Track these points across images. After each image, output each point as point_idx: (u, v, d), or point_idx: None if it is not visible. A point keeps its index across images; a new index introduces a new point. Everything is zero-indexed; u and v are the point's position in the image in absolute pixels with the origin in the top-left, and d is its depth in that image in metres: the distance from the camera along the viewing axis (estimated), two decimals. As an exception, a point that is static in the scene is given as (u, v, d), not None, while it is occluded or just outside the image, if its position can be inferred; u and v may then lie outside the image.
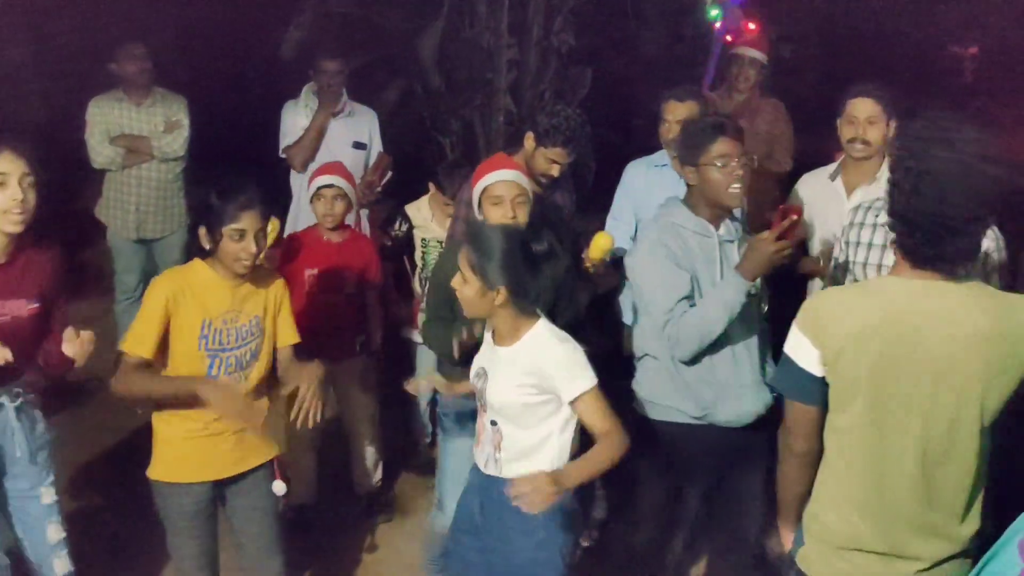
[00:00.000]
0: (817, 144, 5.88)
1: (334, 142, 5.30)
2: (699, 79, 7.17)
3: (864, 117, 3.71)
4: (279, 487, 3.38)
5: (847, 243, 3.45)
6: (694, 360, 3.19)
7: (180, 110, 5.67)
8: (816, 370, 2.29)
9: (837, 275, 3.52)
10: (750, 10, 6.49)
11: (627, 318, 4.35)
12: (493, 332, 2.97)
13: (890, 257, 3.14)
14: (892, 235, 2.25)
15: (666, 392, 3.30)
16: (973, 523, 2.32)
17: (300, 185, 5.19)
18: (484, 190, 3.40)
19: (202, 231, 3.14)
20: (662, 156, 4.26)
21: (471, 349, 3.15)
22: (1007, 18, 10.10)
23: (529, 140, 3.95)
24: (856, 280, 3.37)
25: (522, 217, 3.35)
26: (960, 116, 2.20)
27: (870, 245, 3.35)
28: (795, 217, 2.97)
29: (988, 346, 2.14)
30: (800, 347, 2.30)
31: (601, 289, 4.31)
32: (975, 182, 2.08)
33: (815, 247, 3.94)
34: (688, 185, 3.27)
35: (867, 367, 2.20)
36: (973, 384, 2.17)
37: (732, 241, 3.27)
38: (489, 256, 2.77)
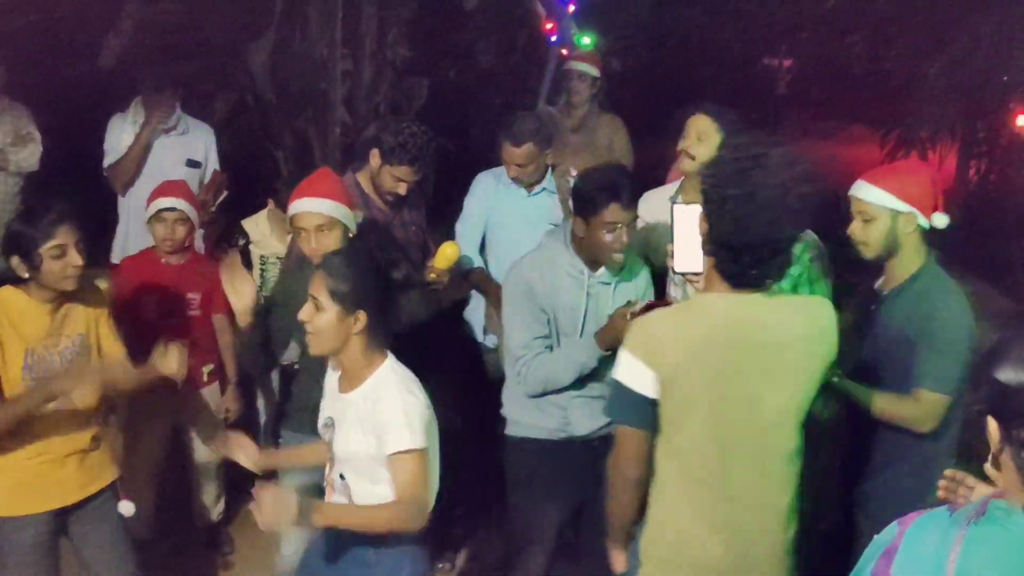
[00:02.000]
0: (648, 156, 6.05)
1: (166, 161, 4.85)
2: (535, 91, 7.25)
3: (695, 133, 3.78)
4: (127, 507, 3.20)
5: None
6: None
7: (28, 122, 5.25)
8: (651, 392, 2.31)
9: (673, 295, 3.56)
10: (584, 24, 6.58)
11: (480, 335, 4.32)
12: (340, 377, 2.79)
13: None
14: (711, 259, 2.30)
15: (525, 408, 3.33)
16: (793, 525, 2.45)
17: (129, 204, 4.85)
18: (291, 218, 3.31)
19: (15, 261, 2.95)
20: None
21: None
22: (817, 33, 10.68)
23: (375, 157, 3.86)
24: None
25: (330, 244, 3.20)
26: (766, 138, 2.28)
27: None
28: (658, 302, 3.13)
29: (804, 346, 2.30)
30: (634, 371, 2.31)
31: (446, 302, 4.27)
32: (794, 202, 2.14)
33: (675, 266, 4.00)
34: (575, 232, 3.23)
35: (704, 383, 2.27)
36: (796, 384, 2.32)
37: (608, 284, 3.28)
38: (348, 278, 2.62)
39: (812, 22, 10.39)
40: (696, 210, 2.36)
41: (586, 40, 6.35)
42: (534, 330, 3.14)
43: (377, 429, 2.60)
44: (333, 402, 2.81)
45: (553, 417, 3.29)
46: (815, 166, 2.21)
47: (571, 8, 6.50)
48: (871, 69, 11.05)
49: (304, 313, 2.65)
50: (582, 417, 3.29)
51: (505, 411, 3.42)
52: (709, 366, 2.26)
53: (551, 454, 3.33)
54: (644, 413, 2.35)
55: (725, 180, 2.17)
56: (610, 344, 3.03)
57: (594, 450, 3.26)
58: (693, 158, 3.77)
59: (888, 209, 2.92)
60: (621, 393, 2.36)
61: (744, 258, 2.20)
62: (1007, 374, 1.47)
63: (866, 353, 3.11)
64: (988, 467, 1.56)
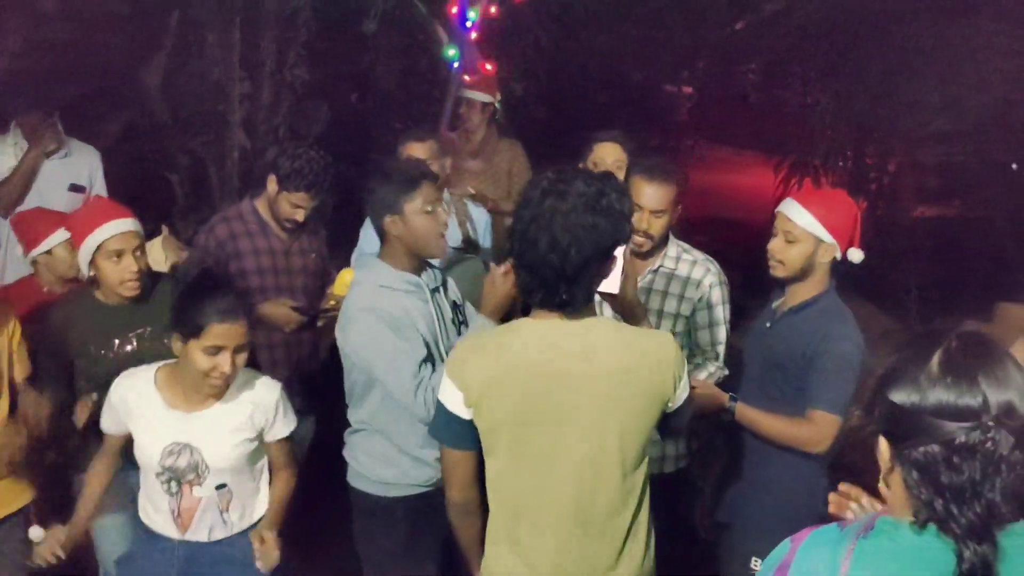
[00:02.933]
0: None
1: (47, 185, 4.62)
2: (436, 116, 7.23)
3: (611, 161, 3.81)
4: (36, 533, 3.03)
5: None
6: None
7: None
8: (463, 413, 2.31)
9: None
10: (485, 50, 6.59)
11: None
12: (174, 398, 2.85)
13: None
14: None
15: (393, 464, 3.09)
16: (630, 563, 2.37)
17: (6, 231, 4.60)
18: (100, 245, 3.12)
19: None
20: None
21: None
22: (715, 62, 10.96)
23: (272, 183, 3.77)
24: None
25: (141, 264, 3.18)
26: (582, 171, 2.34)
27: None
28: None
29: (622, 378, 2.25)
30: (447, 391, 2.32)
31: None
32: (582, 233, 2.17)
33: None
34: (384, 239, 3.06)
35: (509, 410, 2.25)
36: (613, 417, 2.25)
37: (438, 289, 3.14)
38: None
39: (711, 50, 10.63)
40: None
41: (487, 67, 6.35)
42: (416, 352, 2.91)
43: (265, 420, 2.92)
44: (176, 424, 2.80)
45: (423, 470, 3.08)
46: (620, 199, 2.25)
47: (473, 34, 6.49)
48: (767, 97, 11.38)
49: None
50: None
51: (364, 468, 3.15)
52: (512, 395, 2.25)
53: (422, 509, 3.09)
54: (460, 433, 2.33)
55: (523, 201, 2.25)
56: (499, 310, 2.86)
57: None
58: None
59: (813, 236, 2.96)
60: (440, 411, 2.37)
61: (534, 279, 2.23)
62: (900, 395, 1.50)
63: (757, 368, 3.16)
64: (881, 485, 1.58)
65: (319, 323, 3.92)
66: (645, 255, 3.31)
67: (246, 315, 2.77)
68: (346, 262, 4.14)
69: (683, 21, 9.60)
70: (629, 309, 2.71)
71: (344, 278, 3.74)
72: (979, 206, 8.01)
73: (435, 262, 3.21)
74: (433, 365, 2.95)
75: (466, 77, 6.28)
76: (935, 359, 1.49)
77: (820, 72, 8.77)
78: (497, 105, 5.73)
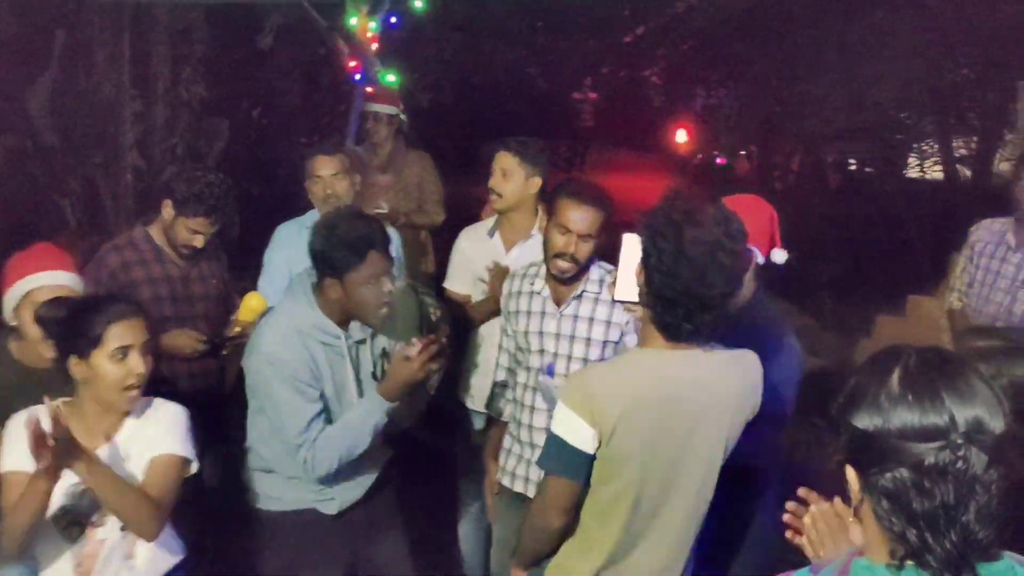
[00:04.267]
0: (459, 192, 5.99)
1: None
2: (342, 130, 7.08)
3: (500, 169, 3.73)
4: None
5: (508, 313, 3.39)
6: None
7: None
8: (590, 448, 2.29)
9: (507, 344, 3.46)
10: (388, 61, 6.45)
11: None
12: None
13: (550, 324, 3.15)
14: (647, 312, 2.31)
15: (286, 488, 3.03)
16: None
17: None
18: (28, 294, 2.89)
19: None
20: (312, 216, 4.04)
21: None
22: (618, 67, 11.03)
23: (167, 208, 3.57)
24: (520, 347, 3.31)
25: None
26: (700, 194, 2.35)
27: (529, 313, 3.32)
28: (444, 340, 2.86)
29: (734, 403, 2.35)
30: (575, 427, 2.28)
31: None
32: (724, 258, 2.18)
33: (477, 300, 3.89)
34: (325, 295, 2.91)
35: (638, 440, 2.27)
36: (723, 442, 2.35)
37: (364, 341, 3.02)
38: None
39: (614, 57, 10.69)
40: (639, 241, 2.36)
41: (391, 78, 6.21)
42: (307, 410, 2.81)
43: (160, 440, 2.66)
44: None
45: (318, 492, 3.02)
46: (742, 226, 2.28)
47: (375, 46, 6.34)
48: (669, 101, 11.51)
49: None
50: (348, 486, 3.06)
51: (259, 487, 3.08)
52: (644, 423, 2.26)
53: (314, 523, 3.04)
54: (580, 466, 2.32)
55: (657, 233, 2.21)
56: (396, 394, 2.81)
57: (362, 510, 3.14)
58: (500, 196, 3.71)
59: None
60: (559, 446, 2.31)
61: (676, 311, 2.22)
62: (863, 420, 1.41)
63: None
64: (852, 522, 1.50)
65: (224, 352, 3.73)
66: (568, 281, 3.19)
67: (144, 314, 2.63)
68: (252, 285, 3.98)
69: (586, 28, 9.60)
70: None
71: (250, 303, 3.58)
72: (884, 200, 8.17)
73: None
74: (331, 420, 2.88)
75: (369, 89, 6.14)
76: (895, 378, 1.40)
77: (723, 75, 8.87)
78: (402, 117, 5.60)
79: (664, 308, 2.23)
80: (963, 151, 7.71)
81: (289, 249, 4.01)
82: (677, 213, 2.21)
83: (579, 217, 3.08)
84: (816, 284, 7.29)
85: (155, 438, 2.68)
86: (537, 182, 3.72)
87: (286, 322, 2.88)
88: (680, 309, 2.21)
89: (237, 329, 3.59)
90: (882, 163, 8.25)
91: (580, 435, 2.27)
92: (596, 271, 3.20)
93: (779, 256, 2.97)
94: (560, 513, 2.40)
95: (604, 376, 2.36)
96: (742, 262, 2.25)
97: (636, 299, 2.36)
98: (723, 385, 2.33)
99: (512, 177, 3.70)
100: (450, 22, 8.35)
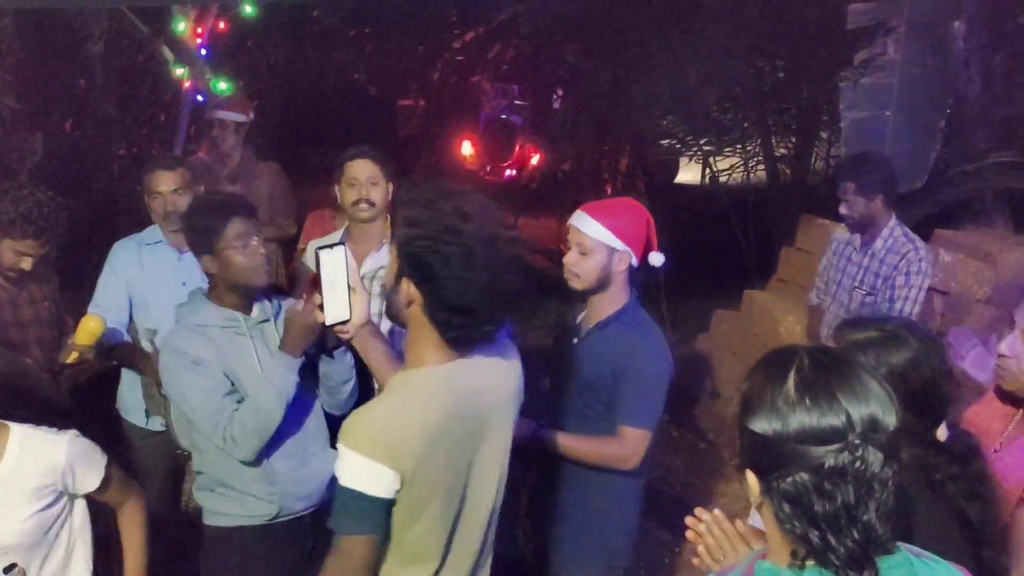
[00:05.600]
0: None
1: None
2: (164, 140, 6.78)
3: (365, 178, 3.64)
4: None
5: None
6: (253, 463, 2.89)
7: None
8: (389, 493, 2.02)
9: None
10: (219, 68, 6.20)
11: (142, 420, 3.86)
12: None
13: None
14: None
15: (230, 499, 2.96)
16: None
17: None
18: None
19: None
20: (153, 232, 3.84)
21: None
22: (449, 74, 11.03)
23: (-9, 230, 3.32)
24: None
25: None
26: (442, 185, 2.13)
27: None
28: None
29: (514, 404, 2.26)
30: (370, 475, 1.99)
31: (83, 377, 3.75)
32: (512, 248, 2.05)
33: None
34: (208, 274, 2.97)
35: (441, 468, 2.07)
36: (506, 442, 2.25)
37: (268, 320, 3.03)
38: None
39: (444, 63, 10.68)
40: (343, 253, 2.27)
41: (223, 85, 5.96)
42: (215, 392, 2.82)
43: (65, 480, 2.55)
44: None
45: (264, 502, 2.96)
46: (490, 203, 2.11)
47: (203, 51, 6.07)
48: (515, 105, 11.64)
49: None
50: (295, 493, 2.99)
51: (206, 503, 3.03)
52: (446, 446, 2.06)
53: (264, 539, 2.98)
54: (378, 517, 2.04)
55: (435, 240, 1.99)
56: (299, 346, 2.77)
57: (307, 523, 3.06)
58: (373, 204, 3.61)
59: (605, 244, 2.92)
60: (357, 501, 2.00)
61: (473, 317, 2.03)
62: (760, 424, 1.41)
63: (567, 387, 3.07)
64: (745, 527, 1.50)
65: (61, 379, 3.49)
66: None
67: None
68: (85, 307, 3.75)
69: (416, 34, 9.53)
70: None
71: (88, 326, 3.44)
72: (712, 199, 8.47)
73: None
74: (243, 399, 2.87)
75: (199, 97, 5.88)
76: (790, 381, 1.41)
77: (552, 80, 8.99)
78: (246, 123, 5.36)
79: (459, 318, 2.03)
80: (783, 150, 8.07)
81: (129, 267, 3.81)
82: (445, 213, 2.01)
83: None
84: (654, 283, 7.47)
85: (61, 484, 2.55)
86: (392, 190, 3.66)
87: (184, 322, 2.96)
88: (479, 315, 2.04)
89: (75, 355, 3.40)
90: (706, 164, 8.54)
91: (381, 481, 2.00)
92: None
93: (656, 259, 3.02)
94: (367, 572, 2.09)
95: (393, 410, 2.08)
96: (522, 247, 2.11)
97: (347, 317, 2.30)
98: (503, 389, 2.23)
99: (380, 185, 3.62)
100: (279, 28, 8.13)
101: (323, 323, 2.43)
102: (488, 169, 13.29)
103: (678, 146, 8.31)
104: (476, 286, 1.99)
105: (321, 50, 9.20)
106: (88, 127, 7.91)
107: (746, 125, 7.87)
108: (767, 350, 1.54)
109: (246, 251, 2.88)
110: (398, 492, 2.02)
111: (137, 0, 6.00)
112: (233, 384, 2.87)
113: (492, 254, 2.00)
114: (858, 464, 1.35)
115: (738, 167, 8.24)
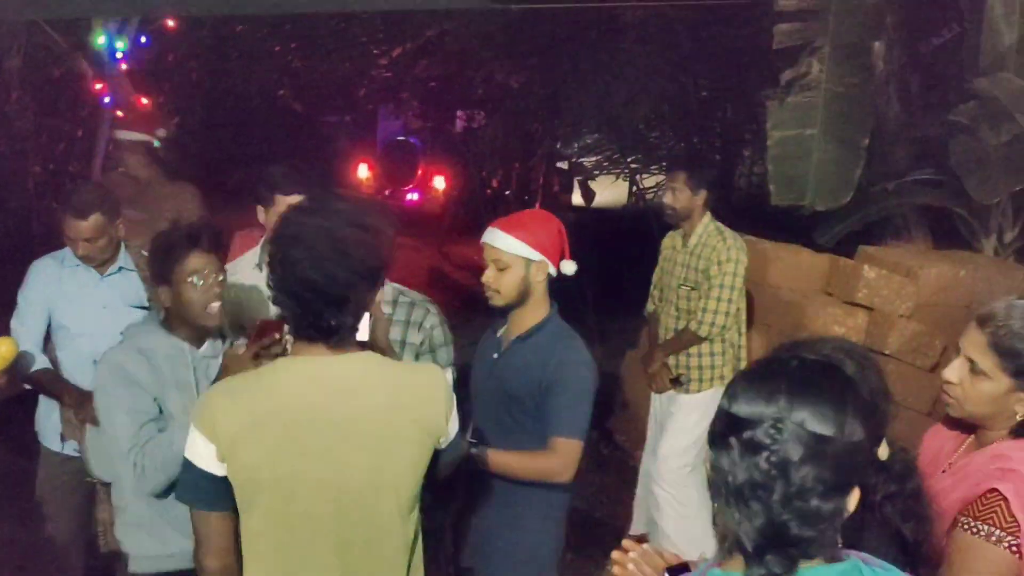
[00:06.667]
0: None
1: None
2: (83, 158, 6.60)
3: (288, 199, 3.56)
4: None
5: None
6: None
7: None
8: (215, 469, 2.08)
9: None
10: (138, 83, 6.06)
11: (58, 444, 3.72)
12: None
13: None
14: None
15: (155, 538, 2.84)
16: None
17: None
18: None
19: None
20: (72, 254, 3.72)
21: None
22: (376, 90, 10.99)
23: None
24: None
25: None
26: (339, 193, 2.27)
27: (401, 343, 3.21)
28: (276, 336, 2.67)
29: (389, 416, 2.12)
30: (196, 445, 2.09)
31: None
32: (345, 247, 2.06)
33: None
34: (163, 306, 2.91)
35: (265, 458, 2.05)
36: (383, 459, 2.11)
37: (217, 357, 2.94)
38: None
39: (370, 79, 10.63)
40: None
41: (143, 101, 5.82)
42: (140, 416, 2.73)
43: None
44: None
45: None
46: (382, 220, 2.20)
47: (123, 66, 5.93)
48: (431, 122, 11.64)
49: None
50: None
51: (129, 546, 2.89)
52: (268, 441, 2.04)
53: None
54: (213, 492, 2.09)
55: (281, 223, 2.11)
56: None
57: None
58: None
59: (522, 257, 2.92)
60: (188, 470, 2.11)
61: (301, 306, 2.07)
62: (724, 400, 1.48)
63: (490, 401, 3.05)
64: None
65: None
66: None
67: None
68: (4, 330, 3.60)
69: (342, 50, 9.46)
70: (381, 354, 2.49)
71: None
72: (622, 217, 8.55)
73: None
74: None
75: (119, 113, 5.73)
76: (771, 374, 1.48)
77: (480, 97, 9.00)
78: (155, 143, 5.21)
79: (290, 303, 2.08)
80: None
81: (48, 286, 3.69)
82: (303, 206, 2.17)
83: None
84: (580, 289, 7.49)
85: None
86: None
87: (130, 344, 2.87)
88: (302, 304, 2.07)
89: None
90: (633, 181, 8.63)
91: (200, 451, 2.08)
92: (390, 291, 3.16)
93: (568, 268, 3.03)
94: (211, 553, 2.14)
95: (227, 385, 2.22)
96: (371, 256, 2.11)
97: (366, 337, 2.24)
98: (376, 395, 2.12)
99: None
100: (201, 42, 7.98)
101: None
102: (387, 193, 13.18)
103: (605, 164, 8.38)
104: (299, 272, 2.03)
105: (245, 65, 9.07)
106: (2, 143, 7.67)
107: (672, 143, 7.97)
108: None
109: (201, 288, 2.81)
110: (225, 470, 2.06)
111: (60, 11, 5.82)
112: (161, 412, 2.77)
113: (321, 245, 2.03)
114: (773, 445, 1.40)
115: (664, 185, 8.34)
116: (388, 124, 14.07)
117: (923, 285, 4.89)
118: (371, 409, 2.09)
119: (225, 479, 2.07)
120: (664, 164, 8.16)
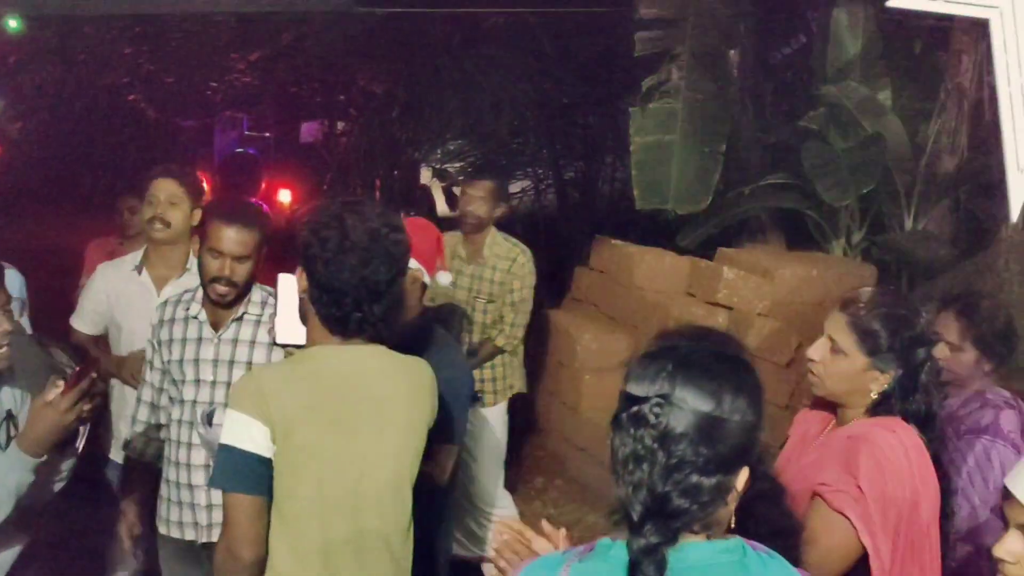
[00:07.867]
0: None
1: None
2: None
3: (164, 197, 3.48)
4: None
5: (159, 343, 3.13)
6: None
7: None
8: (265, 450, 2.12)
9: (151, 378, 3.18)
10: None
11: None
12: None
13: (207, 350, 2.98)
14: (311, 307, 2.23)
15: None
16: None
17: None
18: None
19: None
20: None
21: None
22: (232, 94, 10.73)
23: None
24: (174, 379, 3.08)
25: None
26: (362, 197, 2.30)
27: (184, 341, 3.10)
28: (93, 375, 2.51)
29: (409, 401, 2.29)
30: (246, 428, 2.11)
31: None
32: (387, 245, 2.19)
33: (123, 348, 3.54)
34: None
35: (316, 438, 2.16)
36: (409, 441, 2.29)
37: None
38: None
39: (223, 86, 10.38)
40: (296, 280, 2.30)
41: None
42: None
43: None
44: None
45: None
46: (399, 219, 2.31)
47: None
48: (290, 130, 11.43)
49: None
50: None
51: None
52: (321, 419, 2.16)
53: None
54: (257, 476, 2.12)
55: (320, 225, 2.18)
56: (43, 444, 2.38)
57: None
58: (169, 224, 3.45)
59: None
60: (229, 454, 2.11)
61: (344, 300, 2.17)
62: (623, 382, 1.53)
63: None
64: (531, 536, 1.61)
65: None
66: (228, 304, 3.01)
67: None
68: None
69: (198, 53, 9.18)
70: None
71: None
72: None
73: None
74: None
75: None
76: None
77: (343, 103, 8.89)
78: None
79: (331, 300, 2.19)
80: (571, 174, 8.30)
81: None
82: (338, 205, 2.25)
83: (232, 239, 2.95)
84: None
85: None
86: (199, 215, 3.50)
87: None
88: (348, 298, 2.18)
89: None
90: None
91: (252, 435, 2.11)
92: (258, 293, 3.08)
93: (444, 278, 3.07)
94: (248, 542, 2.13)
95: (275, 374, 2.30)
96: (404, 249, 2.25)
97: (302, 341, 2.30)
98: (394, 383, 2.29)
99: (180, 206, 3.46)
100: (46, 45, 7.61)
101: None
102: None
103: (469, 170, 8.39)
104: (346, 269, 2.14)
105: (92, 68, 8.69)
106: None
107: (536, 149, 8.04)
108: (563, 368, 1.65)
109: None
110: (274, 453, 2.11)
111: None
112: None
113: (366, 243, 2.15)
114: (655, 420, 1.46)
115: (529, 190, 8.41)
116: (226, 134, 13.69)
117: (779, 284, 5.07)
118: (400, 394, 2.27)
119: (270, 462, 2.12)
120: (528, 170, 8.24)
